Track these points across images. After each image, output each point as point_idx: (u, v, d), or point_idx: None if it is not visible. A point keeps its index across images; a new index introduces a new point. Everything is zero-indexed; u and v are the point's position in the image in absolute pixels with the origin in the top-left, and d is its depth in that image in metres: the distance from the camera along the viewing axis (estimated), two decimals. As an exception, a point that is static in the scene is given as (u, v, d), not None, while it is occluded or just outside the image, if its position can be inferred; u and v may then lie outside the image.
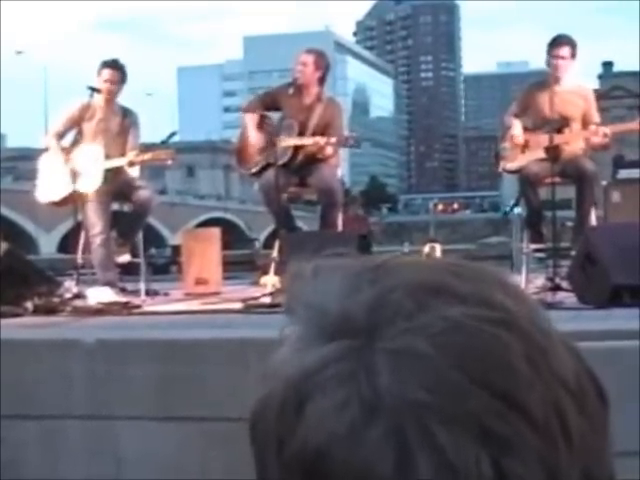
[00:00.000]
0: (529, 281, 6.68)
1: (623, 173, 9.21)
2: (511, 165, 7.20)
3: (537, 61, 7.29)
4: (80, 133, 7.47)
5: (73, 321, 5.96)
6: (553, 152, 6.76)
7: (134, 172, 7.41)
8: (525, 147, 7.15)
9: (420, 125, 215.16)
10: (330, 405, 0.50)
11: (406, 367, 0.50)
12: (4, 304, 6.06)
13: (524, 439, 0.49)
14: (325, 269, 0.57)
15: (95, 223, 7.17)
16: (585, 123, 7.08)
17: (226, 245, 8.89)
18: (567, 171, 6.88)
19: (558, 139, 6.82)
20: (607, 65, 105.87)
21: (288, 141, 7.36)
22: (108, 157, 7.27)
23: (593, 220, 7.06)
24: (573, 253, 6.53)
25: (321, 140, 7.20)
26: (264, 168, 7.48)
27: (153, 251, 25.84)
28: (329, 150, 7.36)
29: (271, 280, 6.72)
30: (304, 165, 7.42)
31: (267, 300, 6.25)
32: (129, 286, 7.51)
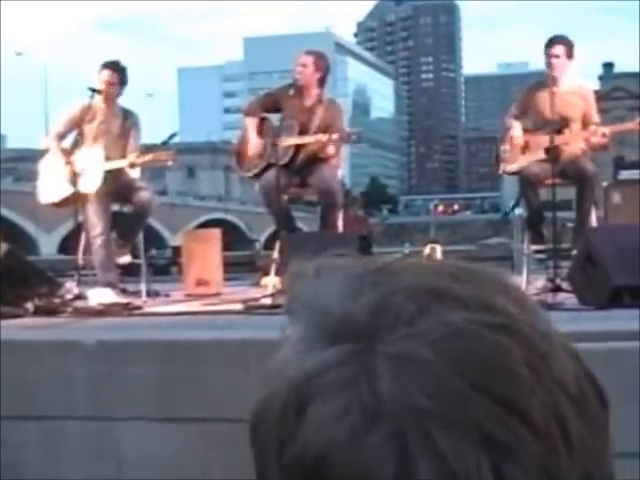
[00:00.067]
0: (530, 282, 6.68)
1: (624, 174, 9.22)
2: (511, 167, 7.21)
3: (537, 62, 7.30)
4: (81, 134, 7.47)
5: (74, 322, 5.96)
6: (553, 153, 6.76)
7: (134, 173, 7.41)
8: (525, 148, 7.15)
9: (420, 126, 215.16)
10: (331, 410, 0.50)
11: (407, 373, 0.50)
12: (4, 305, 6.07)
13: (525, 445, 0.49)
14: (326, 270, 0.57)
15: (96, 224, 7.17)
16: (585, 123, 7.09)
17: (226, 246, 8.89)
18: (567, 172, 6.88)
19: (558, 140, 6.82)
20: (608, 66, 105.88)
21: (290, 140, 7.37)
22: (109, 159, 7.27)
23: (593, 221, 7.06)
24: (574, 253, 6.53)
25: (323, 137, 7.20)
26: (265, 169, 7.48)
27: (154, 252, 25.85)
28: (331, 149, 7.36)
29: (272, 281, 6.72)
30: (305, 165, 7.42)
31: (268, 301, 6.25)
32: (130, 287, 7.51)
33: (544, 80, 7.16)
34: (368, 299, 0.53)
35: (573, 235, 7.12)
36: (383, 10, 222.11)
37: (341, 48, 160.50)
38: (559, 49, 6.99)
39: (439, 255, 10.33)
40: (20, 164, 63.49)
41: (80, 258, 7.47)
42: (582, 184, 6.95)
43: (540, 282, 6.59)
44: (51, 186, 7.39)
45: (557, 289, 6.13)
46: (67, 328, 5.73)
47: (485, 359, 0.50)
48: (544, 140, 6.89)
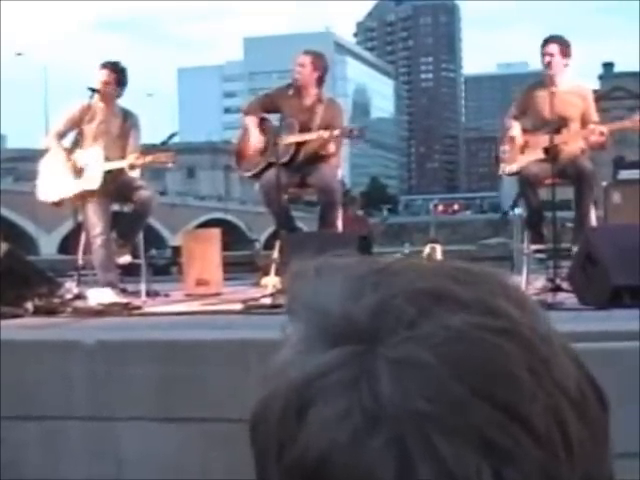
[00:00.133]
0: (529, 282, 6.68)
1: (623, 174, 9.21)
2: (511, 167, 7.22)
3: (537, 62, 7.31)
4: (80, 134, 7.47)
5: (74, 322, 5.96)
6: (552, 152, 6.77)
7: (134, 173, 7.41)
8: (524, 148, 7.16)
9: (420, 126, 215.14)
10: (332, 413, 0.50)
11: (408, 376, 0.50)
12: (4, 305, 6.07)
13: (525, 450, 0.49)
14: (327, 270, 0.56)
15: (95, 224, 7.17)
16: (584, 123, 7.10)
17: (226, 246, 8.89)
18: (566, 171, 6.89)
19: (557, 139, 6.83)
20: (608, 66, 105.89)
21: (291, 138, 7.38)
22: (108, 159, 7.27)
23: (593, 221, 7.06)
24: (573, 249, 6.54)
25: (325, 133, 7.22)
26: (265, 168, 7.49)
27: (154, 252, 25.82)
28: (332, 147, 7.38)
29: (272, 281, 6.72)
30: (305, 164, 7.43)
31: (268, 301, 6.25)
32: (130, 287, 7.51)
33: (543, 80, 7.18)
34: (369, 301, 0.53)
35: (573, 234, 7.13)
36: (383, 10, 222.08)
37: (341, 48, 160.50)
38: (553, 48, 7.02)
39: (439, 255, 10.33)
40: (20, 164, 63.53)
41: (80, 258, 7.47)
42: (580, 183, 6.96)
43: (540, 282, 6.59)
44: (51, 185, 7.39)
45: (557, 289, 6.13)
46: (67, 328, 5.73)
47: (486, 364, 0.50)
48: (543, 140, 6.90)
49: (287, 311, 0.56)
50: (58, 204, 7.50)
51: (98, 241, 7.16)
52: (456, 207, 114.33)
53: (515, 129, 7.24)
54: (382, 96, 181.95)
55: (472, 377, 0.50)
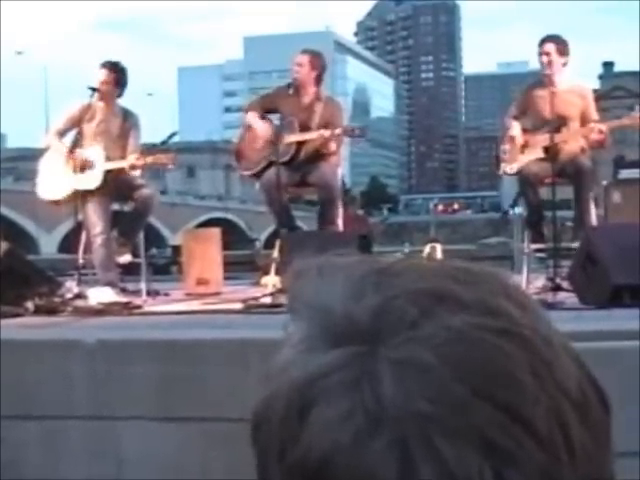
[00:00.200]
0: (530, 281, 6.68)
1: (624, 173, 9.22)
2: (511, 167, 7.22)
3: (536, 61, 7.33)
4: (80, 133, 7.46)
5: (74, 321, 5.96)
6: (552, 151, 6.78)
7: (135, 172, 7.41)
8: (524, 148, 7.17)
9: (421, 125, 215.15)
10: (334, 414, 0.50)
11: (410, 378, 0.50)
12: (5, 304, 6.07)
13: (527, 452, 0.49)
14: (329, 269, 0.56)
15: (96, 223, 7.17)
16: (584, 122, 7.10)
17: (226, 245, 8.89)
18: (566, 170, 6.89)
19: (557, 138, 6.84)
20: (608, 65, 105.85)
21: (292, 137, 7.39)
22: (108, 158, 7.27)
23: (594, 220, 7.06)
24: (573, 245, 6.55)
25: (326, 132, 7.23)
26: (265, 167, 7.49)
27: (154, 251, 25.81)
28: (332, 146, 7.40)
29: (272, 280, 6.72)
30: (306, 162, 7.44)
31: (268, 300, 6.25)
32: (130, 286, 7.51)
33: (542, 80, 7.19)
34: (371, 301, 0.52)
35: (573, 232, 7.14)
36: (383, 9, 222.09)
37: (341, 47, 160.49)
38: (549, 47, 7.04)
39: (439, 254, 10.33)
40: (20, 163, 63.55)
41: (80, 257, 7.46)
42: (579, 180, 6.97)
43: (540, 281, 6.59)
44: (51, 183, 7.39)
45: (557, 288, 6.13)
46: (67, 327, 5.73)
47: (487, 364, 0.50)
48: (543, 139, 6.91)
49: (288, 310, 0.56)
50: (58, 203, 7.50)
51: (98, 240, 7.16)
52: (456, 206, 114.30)
53: (515, 129, 7.25)
54: (382, 95, 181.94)
55: (473, 378, 0.50)
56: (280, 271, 6.74)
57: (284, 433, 0.52)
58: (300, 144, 7.43)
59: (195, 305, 6.71)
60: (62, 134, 7.55)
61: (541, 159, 6.96)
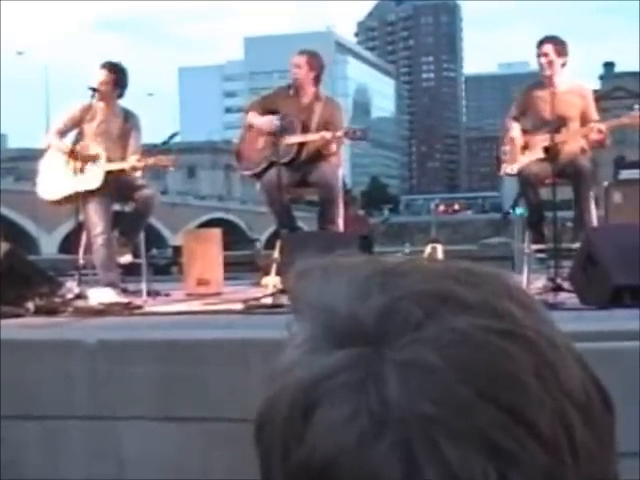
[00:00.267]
0: (530, 282, 6.68)
1: (624, 174, 9.22)
2: (512, 168, 7.23)
3: (536, 62, 7.35)
4: (81, 134, 7.46)
5: (74, 322, 5.96)
6: (552, 152, 6.79)
7: (136, 173, 7.41)
8: (525, 148, 7.18)
9: (421, 126, 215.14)
10: (339, 415, 0.50)
11: (414, 379, 0.50)
12: (5, 304, 6.07)
13: (531, 454, 0.49)
14: (333, 269, 0.56)
15: (96, 223, 7.17)
16: (584, 122, 7.11)
17: (227, 246, 8.89)
18: (565, 171, 6.90)
19: (557, 139, 6.84)
20: (608, 66, 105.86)
21: (294, 138, 7.40)
22: (109, 159, 7.26)
23: (595, 220, 7.07)
24: (574, 246, 6.55)
25: (327, 134, 7.24)
26: (266, 168, 7.49)
27: (154, 252, 25.79)
28: (333, 147, 7.41)
29: (272, 281, 6.72)
30: (306, 163, 7.44)
31: (268, 301, 6.25)
32: (130, 287, 7.51)
33: (541, 80, 7.20)
34: (376, 302, 0.52)
35: (573, 232, 7.15)
36: (384, 10, 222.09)
37: (342, 47, 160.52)
38: (548, 48, 7.06)
39: (440, 254, 10.33)
40: (21, 164, 63.53)
41: (81, 257, 7.46)
42: (578, 181, 6.97)
43: (541, 282, 6.59)
44: (51, 184, 7.39)
45: (558, 289, 6.13)
46: (68, 328, 5.73)
47: (491, 367, 0.50)
48: (543, 139, 6.92)
49: (292, 310, 0.56)
50: (58, 203, 7.50)
51: (99, 240, 7.16)
52: (457, 207, 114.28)
53: (515, 130, 7.26)
54: (383, 96, 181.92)
55: (478, 380, 0.50)
56: (281, 271, 6.73)
57: (288, 433, 0.52)
58: (301, 145, 7.44)
59: (196, 305, 6.71)
60: (62, 134, 7.55)
61: (541, 159, 6.97)
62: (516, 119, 7.34)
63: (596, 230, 6.66)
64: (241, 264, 13.81)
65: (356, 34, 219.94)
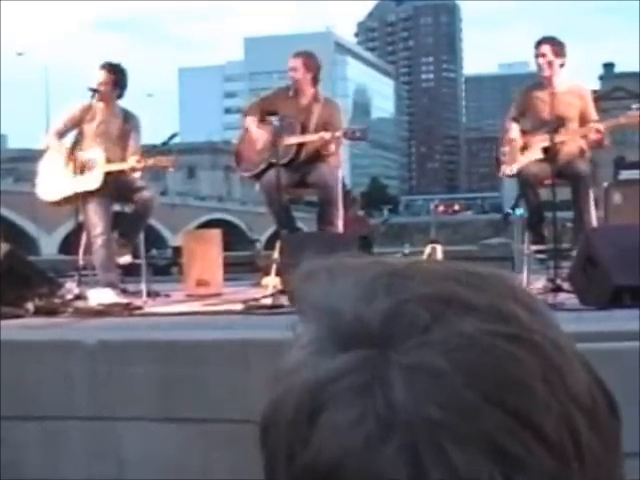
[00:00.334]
0: (530, 282, 6.68)
1: (624, 174, 9.21)
2: (511, 169, 7.23)
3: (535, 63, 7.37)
4: (81, 134, 7.47)
5: (74, 322, 5.96)
6: (551, 152, 6.79)
7: (135, 174, 7.41)
8: (524, 149, 7.18)
9: (421, 126, 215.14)
10: (345, 418, 0.50)
11: (421, 383, 0.50)
12: (5, 305, 6.07)
13: (537, 458, 0.49)
14: (338, 270, 0.56)
15: (96, 224, 7.17)
16: (583, 122, 7.12)
17: (227, 246, 8.89)
18: (564, 172, 6.90)
19: (556, 139, 6.85)
20: (608, 66, 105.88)
21: (293, 139, 7.41)
22: (109, 160, 7.27)
23: (594, 221, 7.07)
24: (573, 252, 6.55)
25: (326, 135, 7.24)
26: (265, 169, 7.50)
27: (154, 252, 25.80)
28: (332, 147, 7.41)
29: (272, 281, 6.72)
30: (306, 164, 7.45)
31: (268, 301, 6.25)
32: (130, 287, 7.51)
33: (540, 81, 7.21)
34: (382, 305, 0.52)
35: (572, 234, 7.15)
36: (383, 10, 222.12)
37: (341, 48, 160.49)
38: (545, 48, 7.07)
39: (440, 255, 10.32)
40: (21, 164, 63.48)
41: (81, 258, 7.46)
42: (577, 185, 6.99)
43: (541, 282, 6.60)
44: (50, 185, 7.39)
45: (558, 289, 6.14)
46: (68, 328, 5.73)
47: (498, 371, 0.50)
48: (542, 140, 6.93)
49: (297, 311, 0.56)
50: (57, 204, 7.51)
51: (99, 241, 7.16)
52: (457, 207, 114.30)
53: (514, 131, 7.27)
54: (382, 96, 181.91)
55: (484, 384, 0.50)
56: (281, 272, 6.74)
57: (293, 436, 0.52)
58: (300, 146, 7.45)
59: (196, 306, 6.71)
60: (62, 135, 7.55)
61: (540, 160, 6.98)
62: (515, 120, 7.35)
63: (596, 231, 6.66)
64: (241, 265, 13.81)
65: (356, 34, 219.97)
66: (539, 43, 7.13)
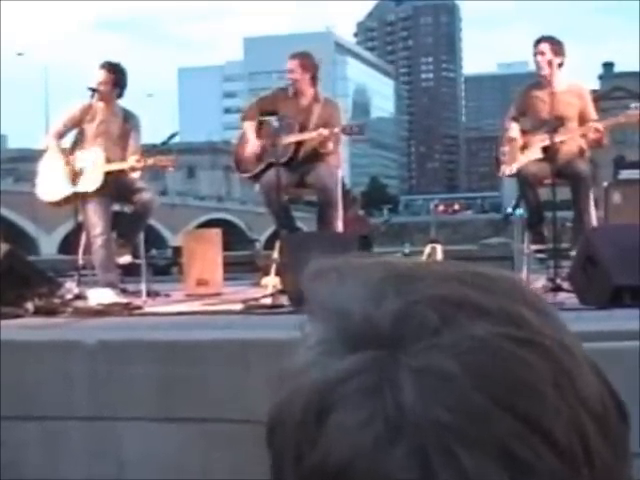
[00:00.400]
0: (530, 282, 6.69)
1: (624, 174, 9.22)
2: (511, 169, 7.23)
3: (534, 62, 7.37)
4: (81, 134, 7.47)
5: (74, 322, 5.96)
6: (551, 152, 6.79)
7: (135, 173, 7.41)
8: (524, 148, 7.19)
9: (421, 126, 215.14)
10: (354, 419, 0.50)
11: (431, 386, 0.49)
12: (5, 305, 6.07)
13: (547, 464, 0.49)
14: (347, 270, 0.56)
15: (96, 224, 7.17)
16: (582, 121, 7.12)
17: (227, 246, 8.89)
18: (563, 172, 6.90)
19: (555, 138, 6.85)
20: (608, 66, 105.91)
21: (290, 138, 7.40)
22: (109, 159, 7.27)
23: (594, 221, 7.07)
24: (573, 251, 6.55)
25: (324, 131, 7.24)
26: (265, 169, 7.50)
27: (154, 252, 25.78)
28: (330, 145, 7.39)
29: (272, 281, 6.72)
30: (304, 163, 7.44)
31: (268, 301, 6.25)
32: (130, 287, 7.51)
33: (539, 80, 7.21)
34: (392, 306, 0.52)
35: (572, 234, 7.15)
36: (383, 10, 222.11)
37: (341, 48, 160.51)
38: (544, 47, 7.07)
39: (440, 255, 10.33)
40: (20, 164, 63.51)
41: (80, 258, 7.46)
42: (576, 185, 6.99)
43: (540, 282, 6.60)
44: (50, 185, 7.39)
45: (557, 289, 6.14)
46: (67, 328, 5.73)
47: (509, 375, 0.50)
48: (542, 139, 6.93)
49: (306, 310, 0.55)
50: (57, 204, 7.50)
51: (98, 241, 7.16)
52: (457, 207, 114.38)
53: (514, 130, 7.27)
54: (382, 96, 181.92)
55: (494, 388, 0.49)
56: (280, 272, 6.74)
57: (301, 437, 0.52)
58: (298, 144, 7.44)
59: (195, 306, 6.72)
60: (62, 135, 7.55)
61: (540, 159, 6.98)
62: (515, 119, 7.35)
63: (596, 230, 6.66)
64: (241, 264, 13.80)
65: (355, 34, 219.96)
66: (538, 41, 7.13)
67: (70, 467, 4.73)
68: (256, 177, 7.65)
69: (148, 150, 7.85)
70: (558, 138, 6.87)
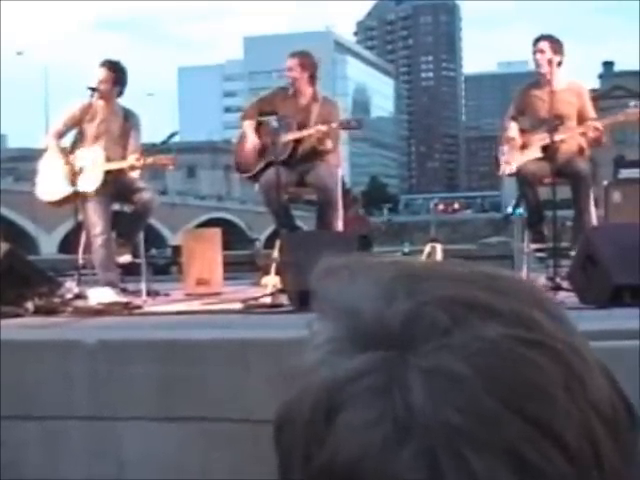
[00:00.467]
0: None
1: (624, 173, 9.22)
2: (510, 168, 7.24)
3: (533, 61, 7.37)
4: (81, 133, 7.47)
5: (74, 321, 5.96)
6: (550, 151, 6.80)
7: (134, 173, 7.41)
8: (523, 147, 7.19)
9: (421, 125, 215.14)
10: (363, 419, 0.49)
11: (440, 387, 0.49)
12: (5, 304, 6.07)
13: (557, 467, 0.49)
14: (358, 269, 0.55)
15: (96, 223, 7.17)
16: (581, 120, 7.13)
17: (227, 245, 8.89)
18: (563, 171, 6.91)
19: (555, 137, 6.85)
20: (608, 65, 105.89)
21: (289, 136, 7.41)
22: (109, 158, 7.27)
23: (594, 220, 7.07)
24: (573, 250, 6.55)
25: (323, 127, 7.24)
26: (264, 168, 7.50)
27: (154, 251, 25.80)
28: (329, 143, 7.39)
29: (272, 280, 6.72)
30: (303, 161, 7.44)
31: (268, 301, 6.25)
32: (130, 286, 7.51)
33: (539, 80, 7.21)
34: (402, 306, 0.52)
35: (572, 233, 7.15)
36: (383, 9, 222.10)
37: (341, 47, 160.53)
38: (544, 45, 7.08)
39: (439, 254, 10.33)
40: (20, 164, 63.53)
41: (80, 257, 7.46)
42: (576, 184, 6.99)
43: (540, 281, 6.59)
44: (50, 185, 7.39)
45: (557, 288, 6.14)
46: (67, 327, 5.73)
47: (519, 378, 0.49)
48: (541, 138, 6.93)
49: (315, 309, 0.55)
50: (57, 204, 7.50)
51: (98, 240, 7.16)
52: (456, 206, 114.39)
53: (513, 130, 7.27)
54: (382, 95, 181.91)
55: (504, 390, 0.49)
56: (280, 271, 6.73)
57: (310, 436, 0.51)
58: (297, 142, 7.45)
59: (195, 305, 6.72)
60: (62, 134, 7.55)
61: (540, 159, 6.98)
62: (514, 119, 7.35)
63: (596, 229, 6.67)
64: (241, 264, 13.80)
65: (355, 33, 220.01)
66: (537, 40, 7.14)
67: (70, 467, 4.73)
68: (256, 177, 7.65)
69: (148, 149, 7.84)
70: (558, 137, 6.87)
